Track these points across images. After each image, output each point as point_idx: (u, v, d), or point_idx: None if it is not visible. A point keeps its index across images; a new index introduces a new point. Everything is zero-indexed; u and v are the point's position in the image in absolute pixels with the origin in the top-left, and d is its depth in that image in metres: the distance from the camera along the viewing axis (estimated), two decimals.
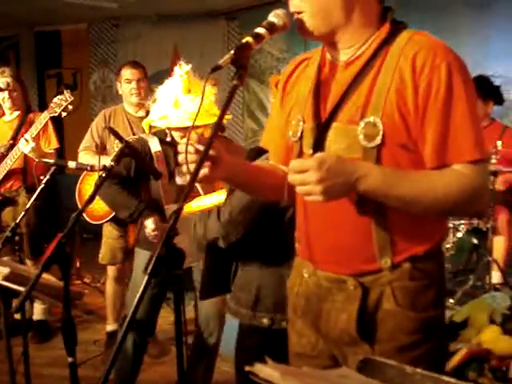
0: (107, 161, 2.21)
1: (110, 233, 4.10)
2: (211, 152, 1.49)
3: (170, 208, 2.86)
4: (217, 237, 2.18)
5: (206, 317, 3.06)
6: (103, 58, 7.98)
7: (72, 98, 3.88)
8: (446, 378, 1.21)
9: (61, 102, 3.86)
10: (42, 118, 3.95)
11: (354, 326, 1.58)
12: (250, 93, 7.25)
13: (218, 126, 1.41)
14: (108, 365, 1.29)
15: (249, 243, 2.21)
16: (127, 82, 4.14)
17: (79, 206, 4.01)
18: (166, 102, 2.84)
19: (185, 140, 2.83)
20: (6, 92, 4.21)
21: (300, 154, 1.66)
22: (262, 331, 2.23)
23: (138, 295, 1.30)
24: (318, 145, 1.57)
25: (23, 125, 4.21)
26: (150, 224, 3.01)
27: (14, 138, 4.17)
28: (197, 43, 7.04)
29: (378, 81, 1.50)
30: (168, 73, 7.49)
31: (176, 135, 2.96)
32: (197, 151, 1.50)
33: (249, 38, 1.44)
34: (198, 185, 2.75)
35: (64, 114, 3.91)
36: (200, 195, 2.68)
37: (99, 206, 3.81)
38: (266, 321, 2.22)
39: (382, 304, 1.57)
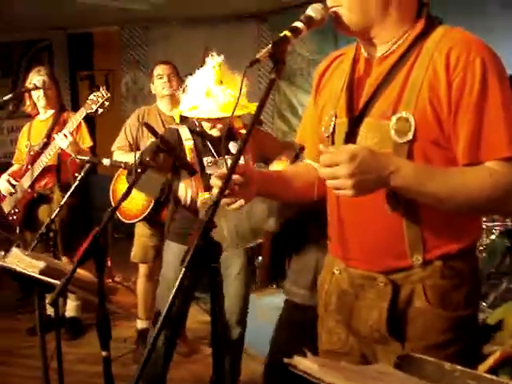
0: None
1: (142, 231, 4.13)
2: (241, 179, 1.55)
3: (202, 196, 2.88)
4: (265, 218, 2.19)
5: (229, 311, 3.05)
6: (134, 59, 8.05)
7: (108, 95, 3.91)
8: (485, 375, 1.20)
9: (97, 99, 3.90)
10: (79, 115, 3.99)
11: (384, 324, 1.57)
12: (281, 94, 7.23)
13: (256, 120, 1.41)
14: (142, 362, 1.30)
15: (304, 224, 2.22)
16: (159, 78, 4.19)
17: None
18: (197, 93, 2.86)
19: (214, 131, 2.88)
20: (41, 90, 4.28)
21: None
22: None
23: (174, 289, 1.31)
24: (350, 140, 1.56)
25: (57, 123, 4.28)
26: (182, 188, 2.99)
27: (48, 137, 4.24)
28: (227, 46, 7.03)
29: (411, 76, 1.49)
30: None
31: (206, 125, 2.99)
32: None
33: (287, 32, 1.44)
34: None
35: (100, 110, 3.94)
36: None
37: (132, 205, 3.84)
38: None
39: (412, 302, 1.56)
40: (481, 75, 1.42)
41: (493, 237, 4.30)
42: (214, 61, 2.88)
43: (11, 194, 4.33)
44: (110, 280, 5.65)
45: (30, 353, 2.77)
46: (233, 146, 2.91)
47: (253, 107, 2.97)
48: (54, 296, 1.83)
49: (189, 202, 2.93)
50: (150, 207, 3.83)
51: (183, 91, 2.96)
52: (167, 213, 3.24)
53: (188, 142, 2.98)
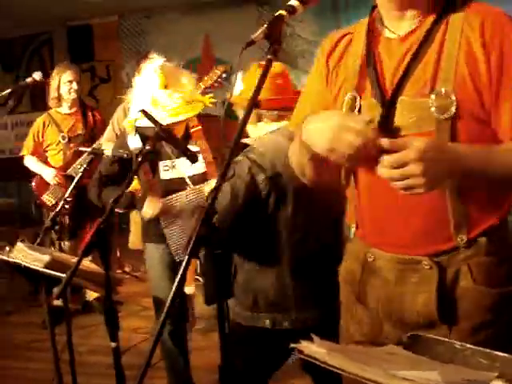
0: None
1: (138, 218, 4.09)
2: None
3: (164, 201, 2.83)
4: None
5: None
6: (135, 49, 8.01)
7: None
8: (497, 353, 1.18)
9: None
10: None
11: (433, 308, 1.52)
12: None
13: (253, 104, 1.37)
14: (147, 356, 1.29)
15: (240, 243, 2.20)
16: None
17: None
18: (144, 101, 2.75)
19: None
20: (74, 83, 4.63)
21: None
22: (261, 334, 2.23)
23: (177, 278, 1.29)
24: (386, 121, 1.52)
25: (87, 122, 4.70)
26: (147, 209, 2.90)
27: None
28: (228, 30, 7.01)
29: (443, 52, 1.47)
30: (199, 61, 7.49)
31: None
32: None
33: (282, 11, 1.41)
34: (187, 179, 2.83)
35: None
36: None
37: None
38: (267, 322, 2.20)
39: (458, 282, 1.53)
40: None
41: None
42: (154, 64, 2.80)
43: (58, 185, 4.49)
44: (120, 270, 5.67)
45: (46, 346, 2.80)
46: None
47: (207, 100, 2.89)
48: (60, 289, 1.81)
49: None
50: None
51: (128, 103, 2.91)
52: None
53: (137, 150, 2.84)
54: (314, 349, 1.04)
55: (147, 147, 1.95)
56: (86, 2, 6.96)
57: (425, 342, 1.30)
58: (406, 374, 0.98)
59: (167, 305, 1.30)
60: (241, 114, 2.29)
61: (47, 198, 4.53)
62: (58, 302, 2.27)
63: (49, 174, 4.52)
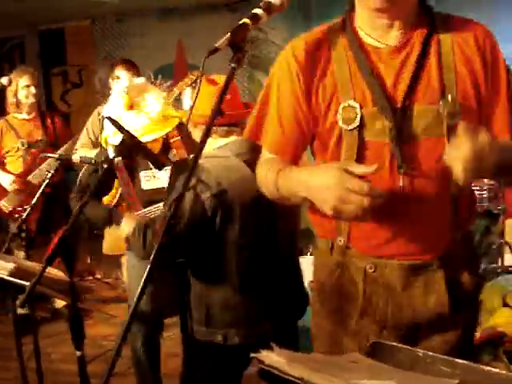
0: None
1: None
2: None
3: (142, 213, 2.80)
4: None
5: None
6: (108, 54, 7.94)
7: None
8: (458, 360, 1.19)
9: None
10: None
11: (446, 305, 1.62)
12: (256, 84, 7.21)
13: (217, 112, 1.37)
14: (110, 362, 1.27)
15: (192, 257, 2.20)
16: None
17: None
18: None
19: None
20: (32, 88, 4.49)
21: (362, 143, 1.57)
22: (216, 348, 2.21)
23: (140, 284, 1.29)
24: (403, 128, 1.55)
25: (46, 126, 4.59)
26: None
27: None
28: (201, 36, 7.00)
29: (442, 62, 1.57)
30: (173, 67, 7.47)
31: None
32: None
33: (245, 19, 1.41)
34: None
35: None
36: None
37: None
38: (219, 337, 2.19)
39: (458, 275, 1.65)
40: (501, 57, 1.60)
41: None
42: (120, 86, 2.79)
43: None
44: (91, 277, 5.62)
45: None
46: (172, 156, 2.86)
47: (184, 115, 2.88)
48: (24, 298, 1.79)
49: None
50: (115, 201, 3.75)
51: (102, 119, 2.92)
52: None
53: (117, 161, 2.77)
54: (274, 358, 1.04)
55: (113, 155, 1.94)
56: (58, 6, 6.88)
57: (387, 349, 1.30)
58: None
59: (130, 311, 1.30)
60: (191, 129, 2.28)
61: (3, 204, 4.46)
62: (23, 311, 2.24)
63: (6, 181, 4.45)
